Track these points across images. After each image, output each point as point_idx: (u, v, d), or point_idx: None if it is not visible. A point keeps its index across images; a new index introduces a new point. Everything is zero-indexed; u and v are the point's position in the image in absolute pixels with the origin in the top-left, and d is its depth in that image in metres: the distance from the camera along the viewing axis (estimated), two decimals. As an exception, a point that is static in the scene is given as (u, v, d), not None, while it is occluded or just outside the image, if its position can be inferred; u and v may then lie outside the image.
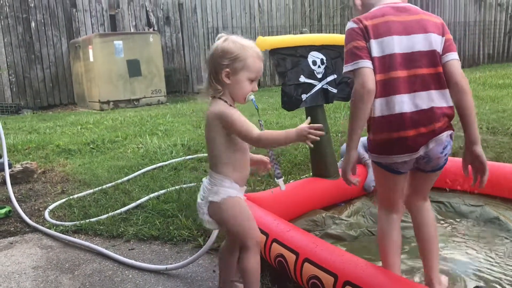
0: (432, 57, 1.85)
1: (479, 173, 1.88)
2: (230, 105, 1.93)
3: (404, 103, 1.81)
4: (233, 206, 1.95)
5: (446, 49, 1.87)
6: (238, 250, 2.05)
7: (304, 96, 3.02)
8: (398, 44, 1.84)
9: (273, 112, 7.37)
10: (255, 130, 1.85)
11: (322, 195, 3.18)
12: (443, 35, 1.89)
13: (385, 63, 1.83)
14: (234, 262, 2.14)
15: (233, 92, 1.93)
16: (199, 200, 2.01)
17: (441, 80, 1.85)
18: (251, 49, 1.91)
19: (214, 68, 1.91)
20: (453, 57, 1.87)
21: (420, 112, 1.81)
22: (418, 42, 1.85)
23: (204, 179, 2.03)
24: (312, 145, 1.83)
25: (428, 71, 1.84)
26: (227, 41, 1.91)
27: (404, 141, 1.81)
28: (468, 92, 1.84)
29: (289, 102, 2.99)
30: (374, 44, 1.84)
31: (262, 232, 2.40)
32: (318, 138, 1.77)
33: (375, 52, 1.84)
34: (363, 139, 3.42)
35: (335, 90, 3.19)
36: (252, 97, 1.95)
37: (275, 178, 2.21)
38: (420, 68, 1.83)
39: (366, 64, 1.81)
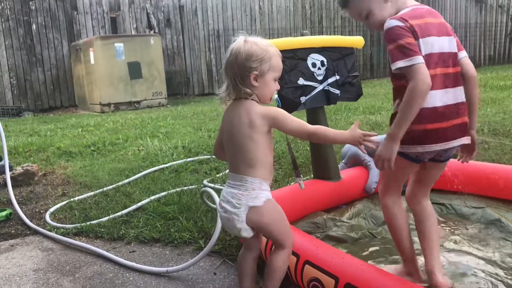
0: (454, 58, 2.05)
1: (470, 152, 2.20)
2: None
3: (437, 97, 1.96)
4: (273, 208, 1.95)
5: (458, 48, 2.09)
6: (256, 258, 2.09)
7: (303, 99, 3.02)
8: (436, 45, 1.98)
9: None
10: (307, 124, 1.88)
11: (323, 197, 3.17)
12: (454, 37, 2.09)
13: (428, 61, 1.93)
14: (254, 269, 2.11)
15: (261, 94, 1.91)
16: (231, 209, 1.89)
17: (460, 78, 2.07)
18: (272, 48, 1.90)
19: (240, 73, 1.86)
20: (465, 54, 2.12)
21: (450, 106, 1.99)
22: (446, 44, 2.02)
23: (227, 188, 1.94)
24: (365, 151, 1.88)
25: (454, 70, 2.03)
26: (248, 43, 1.88)
27: (438, 132, 1.97)
28: (477, 85, 2.16)
29: (286, 105, 2.99)
30: (422, 43, 1.95)
31: (263, 234, 2.40)
32: (374, 147, 1.84)
33: (423, 50, 1.94)
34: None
35: (337, 91, 3.18)
36: (276, 96, 1.96)
37: (295, 177, 2.20)
38: (448, 67, 2.01)
39: (422, 60, 1.89)
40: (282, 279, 2.04)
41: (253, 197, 1.88)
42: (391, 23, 1.96)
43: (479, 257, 2.51)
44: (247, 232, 1.93)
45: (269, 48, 1.89)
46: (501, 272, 2.35)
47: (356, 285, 1.86)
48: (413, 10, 2.03)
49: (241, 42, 1.90)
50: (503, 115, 5.93)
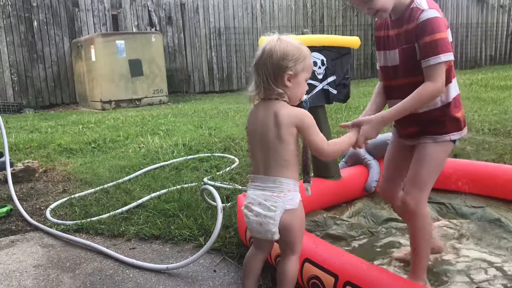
0: None
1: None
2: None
3: (456, 85, 2.12)
4: (302, 211, 1.92)
5: None
6: (264, 259, 2.06)
7: (305, 97, 3.02)
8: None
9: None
10: (326, 142, 1.86)
11: (323, 195, 3.18)
12: None
13: None
14: (260, 270, 2.09)
15: (293, 94, 1.86)
16: (265, 212, 1.83)
17: None
18: (304, 47, 1.86)
19: (274, 72, 1.80)
20: None
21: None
22: None
23: (256, 191, 1.88)
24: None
25: None
26: (282, 42, 1.82)
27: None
28: None
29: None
30: (449, 35, 1.99)
31: (263, 232, 2.40)
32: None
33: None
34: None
35: (335, 91, 3.19)
36: (305, 97, 1.94)
37: (303, 182, 2.14)
38: None
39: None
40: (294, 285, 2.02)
41: (289, 199, 1.85)
42: (433, 13, 1.93)
43: (478, 257, 2.52)
44: (277, 235, 1.87)
45: (302, 48, 1.85)
46: (500, 272, 2.35)
47: (356, 283, 1.87)
48: (430, 1, 2.00)
49: (274, 40, 1.83)
50: (504, 115, 5.93)
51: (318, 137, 1.84)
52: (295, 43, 1.84)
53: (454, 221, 3.04)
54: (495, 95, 7.90)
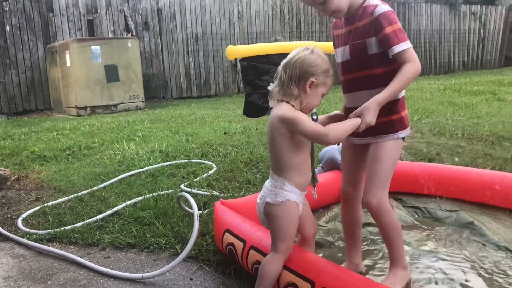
0: None
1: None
2: (297, 109, 2.00)
3: None
4: (287, 209, 2.02)
5: None
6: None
7: (314, 110, 3.03)
8: None
9: (252, 119, 7.35)
10: (322, 128, 1.95)
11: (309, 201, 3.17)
12: None
13: None
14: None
15: (307, 101, 2.00)
16: (258, 200, 2.10)
17: None
18: (331, 68, 2.02)
19: (300, 74, 1.96)
20: None
21: None
22: None
23: (267, 181, 2.09)
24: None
25: None
26: (315, 53, 1.98)
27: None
28: None
29: (253, 110, 3.00)
30: None
31: (240, 239, 2.39)
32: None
33: None
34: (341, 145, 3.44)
35: None
36: (314, 110, 2.08)
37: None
38: None
39: None
40: (271, 286, 2.04)
41: (273, 194, 2.02)
42: (385, 7, 2.09)
43: (452, 260, 2.55)
44: (266, 224, 2.10)
45: (330, 66, 2.01)
46: (473, 275, 2.39)
47: (332, 289, 1.87)
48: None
49: (308, 50, 1.99)
50: (476, 120, 6.05)
51: (308, 126, 1.93)
52: (326, 58, 2.01)
53: (429, 225, 3.08)
54: (468, 100, 8.06)
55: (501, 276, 2.37)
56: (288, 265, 2.06)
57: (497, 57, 18.46)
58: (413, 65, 2.05)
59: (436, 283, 2.33)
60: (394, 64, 2.09)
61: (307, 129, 1.93)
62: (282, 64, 2.04)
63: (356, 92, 2.23)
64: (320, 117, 2.18)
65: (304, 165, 2.06)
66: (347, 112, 2.16)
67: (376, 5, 2.09)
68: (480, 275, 2.38)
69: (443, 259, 2.57)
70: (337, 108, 7.43)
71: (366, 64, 2.15)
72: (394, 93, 2.06)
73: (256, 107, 2.96)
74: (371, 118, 2.01)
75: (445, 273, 2.41)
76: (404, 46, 2.04)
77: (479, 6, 17.71)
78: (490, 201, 3.16)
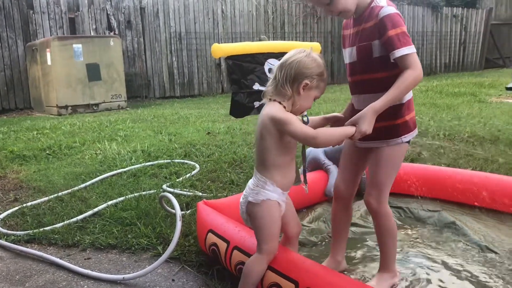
0: None
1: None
2: (287, 111, 1.99)
3: None
4: (266, 210, 2.02)
5: None
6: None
7: (256, 103, 3.01)
8: None
9: (236, 119, 7.32)
10: (311, 130, 1.95)
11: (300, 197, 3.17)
12: None
13: None
14: None
15: (299, 103, 2.00)
16: (241, 199, 2.11)
17: None
18: (326, 72, 2.02)
19: (295, 75, 1.96)
20: None
21: None
22: None
23: (249, 180, 2.09)
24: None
25: None
26: (311, 57, 1.98)
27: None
28: None
29: (239, 110, 2.98)
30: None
31: (223, 239, 2.37)
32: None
33: None
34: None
35: None
36: (305, 113, 2.08)
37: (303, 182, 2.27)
38: None
39: None
40: (255, 286, 2.04)
41: (255, 193, 2.02)
42: (390, 9, 2.03)
43: (434, 260, 2.56)
44: (248, 223, 2.10)
45: (324, 70, 2.02)
46: (455, 274, 2.40)
47: (316, 289, 1.86)
48: (389, 1, 2.09)
49: (305, 53, 2.00)
50: (457, 121, 6.12)
51: (297, 127, 1.92)
52: (321, 62, 2.01)
53: (412, 225, 3.09)
54: (450, 101, 8.16)
55: (483, 275, 2.38)
56: (271, 265, 2.05)
57: (478, 59, 18.75)
58: (413, 72, 1.98)
59: (419, 282, 2.34)
60: (396, 69, 2.03)
61: (297, 131, 1.92)
62: (278, 63, 2.03)
63: (361, 95, 2.20)
64: (316, 117, 2.20)
65: (288, 166, 2.06)
66: (355, 113, 2.10)
67: (382, 7, 2.04)
68: (461, 274, 2.40)
69: (425, 259, 2.58)
70: (321, 108, 7.40)
71: (370, 67, 2.11)
72: (392, 101, 2.01)
73: (242, 107, 2.94)
74: (366, 127, 1.98)
75: (427, 273, 2.42)
76: (406, 51, 1.98)
77: (460, 8, 17.96)
78: (474, 202, 3.20)
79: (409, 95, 2.15)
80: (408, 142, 2.21)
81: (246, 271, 2.05)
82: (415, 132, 2.23)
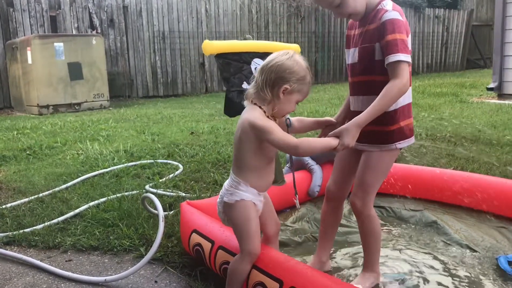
0: None
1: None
2: (267, 116, 1.96)
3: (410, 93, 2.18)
4: (241, 210, 2.01)
5: None
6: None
7: (288, 115, 3.02)
8: (409, 43, 2.08)
9: (220, 118, 7.33)
10: (292, 139, 1.90)
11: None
12: None
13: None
14: None
15: (279, 107, 1.97)
16: (218, 199, 2.12)
17: None
18: (309, 74, 1.98)
19: (274, 79, 1.92)
20: None
21: None
22: None
23: (226, 181, 2.10)
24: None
25: None
26: (293, 59, 1.93)
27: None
28: None
29: (232, 108, 2.97)
30: (409, 40, 2.06)
31: (208, 239, 2.36)
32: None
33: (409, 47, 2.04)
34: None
35: None
36: (288, 116, 2.07)
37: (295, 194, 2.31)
38: None
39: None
40: (240, 287, 2.04)
41: (229, 194, 2.03)
42: (395, 14, 2.02)
43: (416, 259, 2.58)
44: (226, 222, 2.12)
45: (308, 73, 1.97)
46: (437, 273, 2.42)
47: (300, 288, 1.86)
48: (395, 5, 2.09)
49: (288, 55, 1.95)
50: (439, 121, 6.19)
51: (277, 135, 1.89)
52: (303, 65, 1.96)
53: (394, 224, 3.12)
54: (432, 101, 8.25)
55: (463, 273, 2.41)
56: (256, 264, 2.05)
57: (459, 60, 18.99)
58: (399, 82, 1.97)
59: (401, 281, 2.35)
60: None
61: (277, 140, 1.89)
62: (260, 66, 2.00)
63: (359, 96, 2.20)
64: (308, 119, 2.19)
65: (265, 169, 2.04)
66: (352, 115, 2.10)
67: (387, 10, 2.04)
68: (442, 272, 2.42)
69: (407, 258, 2.60)
70: (305, 108, 7.41)
71: (371, 69, 2.11)
72: (376, 113, 1.99)
73: (235, 105, 2.94)
74: (349, 141, 1.97)
75: (409, 272, 2.44)
76: (402, 57, 1.97)
77: (442, 10, 18.18)
78: (454, 201, 3.23)
79: (405, 101, 2.14)
80: (401, 148, 2.20)
81: (230, 271, 2.06)
82: (411, 140, 2.21)
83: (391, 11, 2.03)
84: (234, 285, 2.05)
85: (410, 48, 2.04)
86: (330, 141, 1.97)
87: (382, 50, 2.03)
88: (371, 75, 2.12)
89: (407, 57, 1.98)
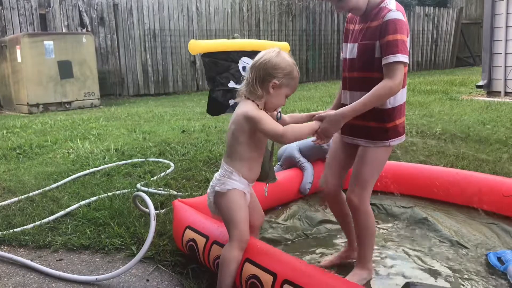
0: None
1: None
2: (260, 109, 2.08)
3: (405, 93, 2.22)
4: (234, 197, 2.10)
5: None
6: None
7: (232, 101, 3.01)
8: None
9: (212, 117, 7.29)
10: (279, 127, 2.03)
11: (259, 198, 3.17)
12: None
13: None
14: None
15: (270, 101, 2.09)
16: (208, 190, 2.18)
17: None
18: (296, 70, 2.09)
19: (264, 76, 2.05)
20: None
21: None
22: None
23: (216, 172, 2.18)
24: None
25: None
26: (279, 56, 2.05)
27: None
28: None
29: (215, 108, 2.97)
30: (408, 41, 2.08)
31: (202, 235, 2.36)
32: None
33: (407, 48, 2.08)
34: (299, 143, 3.46)
35: None
36: (279, 109, 2.18)
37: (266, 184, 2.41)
38: None
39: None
40: (232, 275, 2.06)
41: (221, 183, 2.11)
42: (398, 15, 2.05)
43: (408, 255, 2.60)
44: (216, 213, 2.19)
45: (294, 68, 2.08)
46: (428, 268, 2.44)
47: (294, 281, 1.89)
48: (398, 5, 2.11)
49: (275, 52, 2.07)
50: (429, 118, 6.23)
51: (268, 125, 2.01)
52: (290, 61, 2.07)
53: (385, 221, 3.13)
54: (422, 99, 8.29)
55: (454, 270, 2.43)
56: (250, 257, 2.07)
57: (449, 57, 19.09)
58: (390, 83, 2.01)
59: (391, 278, 2.37)
60: None
61: (267, 128, 2.01)
62: (249, 65, 2.11)
63: (354, 92, 2.22)
64: (300, 114, 2.28)
65: (256, 161, 2.15)
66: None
67: (390, 10, 2.06)
68: (433, 269, 2.44)
69: (398, 255, 2.61)
70: (296, 106, 7.44)
71: (370, 66, 2.13)
72: (361, 109, 2.04)
73: (218, 104, 2.94)
74: (329, 129, 2.05)
75: (400, 268, 2.46)
76: (401, 58, 2.01)
77: (432, 8, 18.27)
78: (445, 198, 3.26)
79: (402, 99, 2.18)
80: (393, 146, 2.25)
81: (221, 261, 2.10)
82: (403, 137, 2.27)
83: (395, 11, 2.06)
84: (226, 275, 2.06)
85: (408, 47, 2.06)
86: (312, 125, 2.09)
87: (382, 48, 2.06)
88: (369, 72, 2.14)
89: (406, 58, 2.02)
